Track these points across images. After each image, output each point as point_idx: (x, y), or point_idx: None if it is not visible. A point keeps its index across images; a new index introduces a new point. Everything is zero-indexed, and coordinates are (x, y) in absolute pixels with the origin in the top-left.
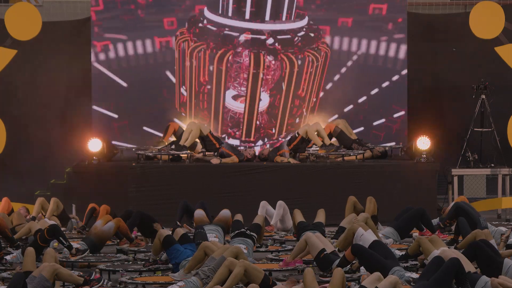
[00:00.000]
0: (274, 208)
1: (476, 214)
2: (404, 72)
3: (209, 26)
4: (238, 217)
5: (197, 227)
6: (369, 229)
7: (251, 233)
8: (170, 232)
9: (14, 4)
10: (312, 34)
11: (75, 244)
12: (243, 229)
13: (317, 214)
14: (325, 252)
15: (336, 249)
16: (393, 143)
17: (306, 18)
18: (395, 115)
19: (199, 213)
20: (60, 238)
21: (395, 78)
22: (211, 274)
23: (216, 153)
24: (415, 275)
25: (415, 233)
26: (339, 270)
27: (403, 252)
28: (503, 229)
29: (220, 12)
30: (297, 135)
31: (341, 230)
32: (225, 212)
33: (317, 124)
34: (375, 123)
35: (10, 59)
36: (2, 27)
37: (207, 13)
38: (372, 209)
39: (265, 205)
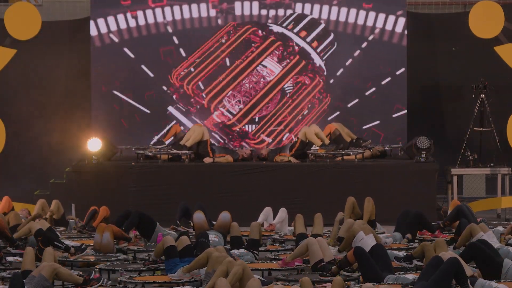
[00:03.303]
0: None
1: (473, 220)
2: (403, 70)
3: None
4: (235, 229)
5: (200, 235)
6: (370, 234)
7: (252, 251)
8: (171, 233)
9: (14, 4)
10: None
11: (75, 244)
12: (242, 249)
13: (314, 222)
14: (322, 263)
15: (335, 248)
16: (392, 143)
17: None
18: (395, 115)
19: (199, 217)
20: (55, 243)
21: (394, 76)
22: None
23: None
24: (412, 276)
25: None
26: (338, 279)
27: (403, 252)
28: (500, 229)
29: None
30: (296, 140)
31: (339, 240)
32: (224, 217)
33: (314, 126)
34: (374, 123)
35: (9, 58)
36: (1, 26)
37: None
38: (371, 209)
39: (269, 212)
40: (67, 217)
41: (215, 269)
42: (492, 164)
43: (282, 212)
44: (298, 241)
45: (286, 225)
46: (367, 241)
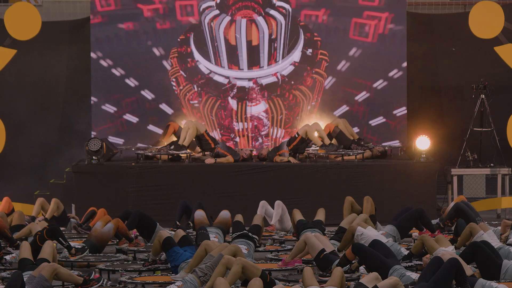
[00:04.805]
0: (273, 207)
1: (474, 215)
2: (404, 70)
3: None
4: (239, 217)
5: (199, 228)
6: (368, 226)
7: (253, 236)
8: (171, 234)
9: (14, 4)
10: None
11: (74, 244)
12: (245, 231)
13: (317, 212)
14: (324, 253)
15: (336, 249)
16: (392, 143)
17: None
18: (395, 115)
19: (199, 214)
20: (60, 238)
21: (394, 77)
22: (209, 272)
23: (212, 153)
24: (415, 275)
25: (415, 233)
26: (338, 269)
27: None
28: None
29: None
30: (296, 136)
31: (341, 230)
32: (224, 214)
33: (316, 124)
34: (374, 123)
35: (9, 59)
36: (1, 26)
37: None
38: (370, 208)
39: (265, 205)
40: (68, 214)
41: (222, 253)
42: (492, 164)
43: (278, 208)
44: (299, 228)
45: (287, 220)
46: (368, 232)
